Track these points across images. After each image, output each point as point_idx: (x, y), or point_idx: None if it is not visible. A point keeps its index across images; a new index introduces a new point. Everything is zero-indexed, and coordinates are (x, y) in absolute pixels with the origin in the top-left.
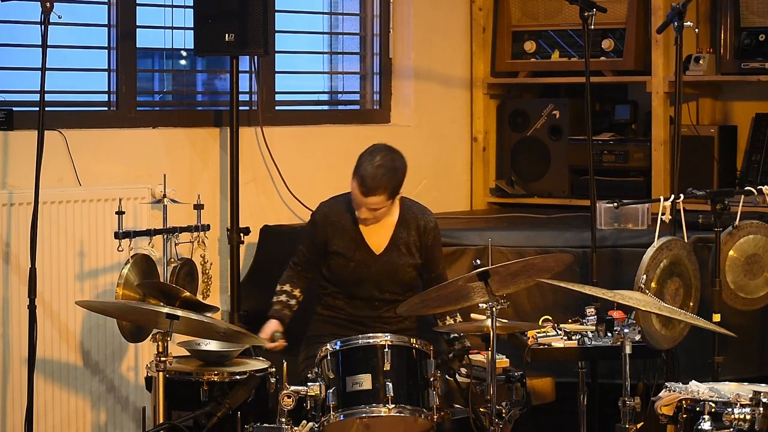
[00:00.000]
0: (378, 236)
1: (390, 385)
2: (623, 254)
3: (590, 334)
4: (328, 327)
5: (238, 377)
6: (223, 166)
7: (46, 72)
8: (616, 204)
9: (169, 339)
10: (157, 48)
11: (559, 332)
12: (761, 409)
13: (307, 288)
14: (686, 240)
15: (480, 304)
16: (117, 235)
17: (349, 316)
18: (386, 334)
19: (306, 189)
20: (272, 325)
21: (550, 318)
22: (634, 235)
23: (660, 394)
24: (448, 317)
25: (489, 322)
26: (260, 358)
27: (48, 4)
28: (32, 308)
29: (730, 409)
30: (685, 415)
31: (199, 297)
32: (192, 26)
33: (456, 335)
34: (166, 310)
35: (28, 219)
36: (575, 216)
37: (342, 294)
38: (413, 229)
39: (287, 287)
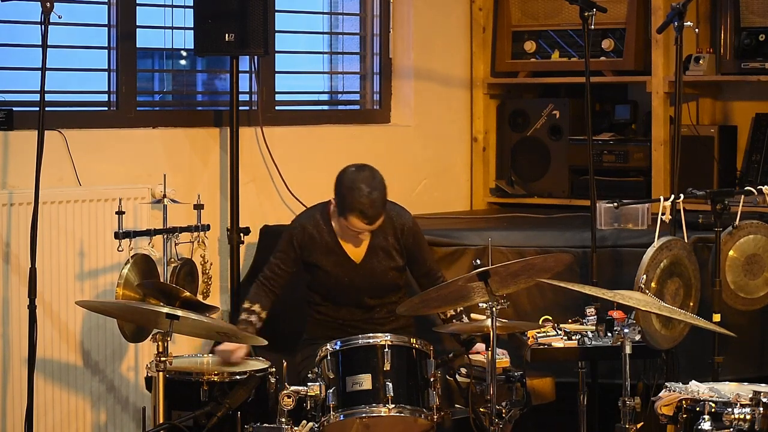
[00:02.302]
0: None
1: (390, 385)
2: (623, 254)
3: (590, 334)
4: (324, 330)
5: (238, 377)
6: (223, 166)
7: (46, 72)
8: (616, 204)
9: (169, 339)
10: (157, 48)
11: (559, 332)
12: (761, 409)
13: (273, 305)
14: (686, 240)
15: (480, 304)
16: (117, 235)
17: (342, 320)
18: (386, 334)
19: (306, 189)
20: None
21: (550, 318)
22: (634, 235)
23: (660, 394)
24: (450, 310)
25: (489, 322)
26: (260, 358)
27: (48, 4)
28: (32, 308)
29: (730, 409)
30: (685, 415)
31: (199, 297)
32: (192, 26)
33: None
34: (166, 310)
35: (28, 219)
36: (575, 216)
37: (331, 303)
38: (390, 234)
39: (255, 307)
